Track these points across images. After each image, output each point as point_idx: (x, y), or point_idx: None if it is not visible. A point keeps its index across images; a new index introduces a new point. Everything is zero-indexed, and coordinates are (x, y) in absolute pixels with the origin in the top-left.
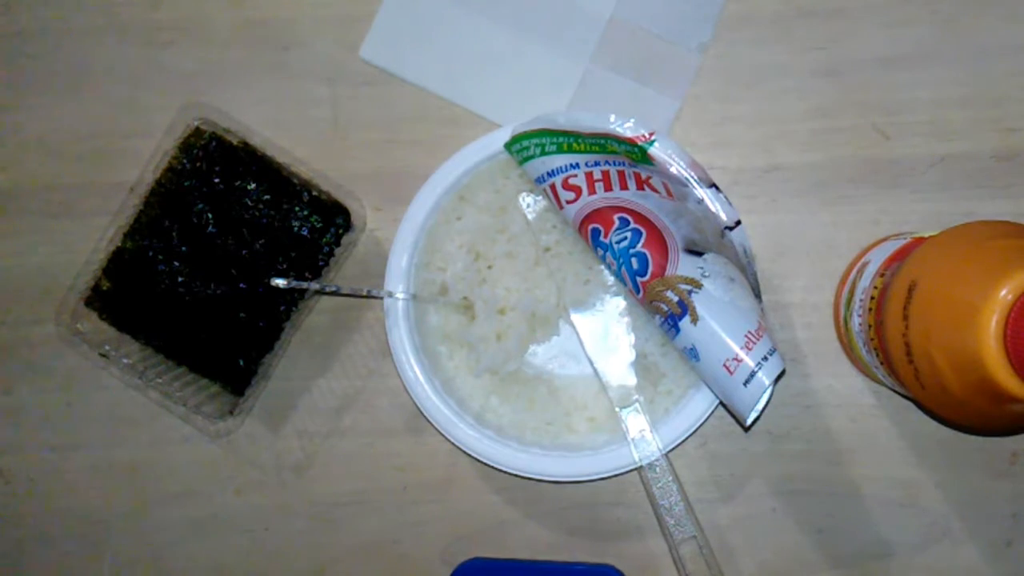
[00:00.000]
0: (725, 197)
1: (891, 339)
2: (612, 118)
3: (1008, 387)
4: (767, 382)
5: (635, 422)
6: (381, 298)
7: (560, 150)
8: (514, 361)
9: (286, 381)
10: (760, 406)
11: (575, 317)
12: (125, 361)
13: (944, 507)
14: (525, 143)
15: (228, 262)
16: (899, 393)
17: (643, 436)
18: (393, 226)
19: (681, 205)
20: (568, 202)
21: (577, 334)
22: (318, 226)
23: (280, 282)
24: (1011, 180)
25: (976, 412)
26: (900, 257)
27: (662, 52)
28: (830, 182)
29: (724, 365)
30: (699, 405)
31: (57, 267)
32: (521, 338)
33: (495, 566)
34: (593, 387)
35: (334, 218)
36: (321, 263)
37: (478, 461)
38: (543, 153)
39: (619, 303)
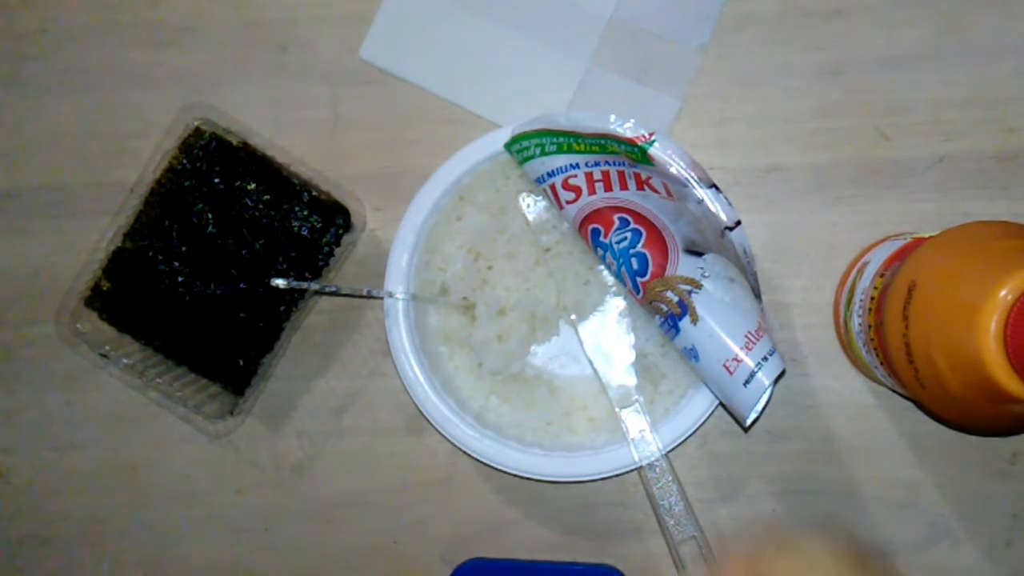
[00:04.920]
0: (725, 197)
1: (891, 339)
2: (612, 118)
3: (1008, 387)
4: (767, 382)
5: (635, 422)
6: (381, 298)
7: (560, 150)
8: (517, 363)
9: (286, 381)
10: (760, 406)
11: (575, 317)
12: (125, 361)
13: (944, 507)
14: (525, 143)
15: (228, 262)
16: (899, 393)
17: (643, 436)
18: (393, 226)
19: (681, 205)
20: (568, 202)
21: (577, 334)
22: (318, 226)
23: (280, 282)
24: (1011, 180)
25: (976, 412)
26: (900, 257)
27: (662, 52)
28: (830, 182)
29: (724, 365)
30: (699, 405)
31: (57, 267)
32: (523, 339)
33: (495, 566)
34: (593, 387)
35: (334, 218)
36: (321, 263)
37: (478, 461)
38: (543, 153)
39: (619, 303)
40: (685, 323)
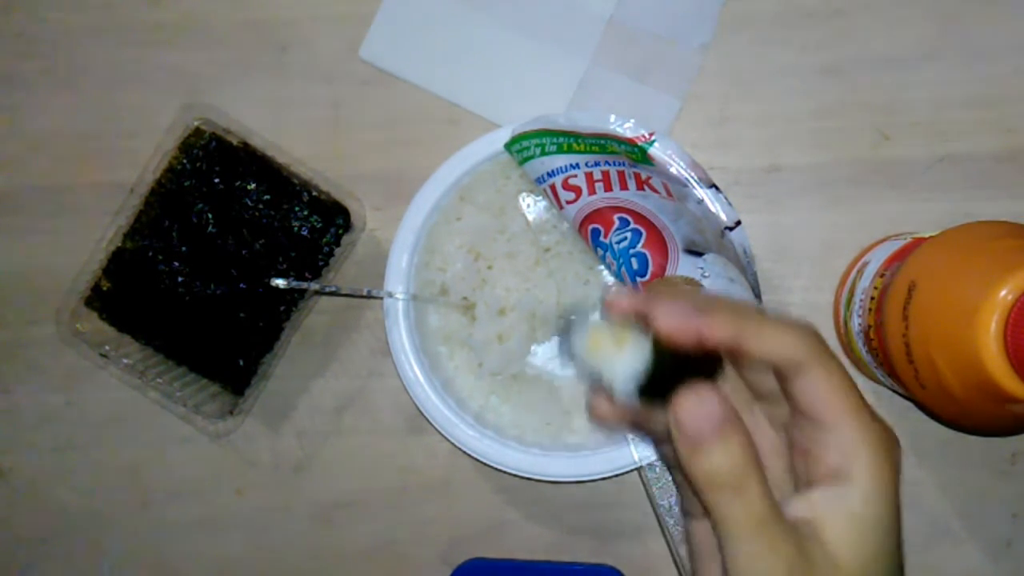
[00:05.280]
0: (725, 197)
1: (891, 339)
2: (612, 118)
3: (1008, 387)
4: None
5: None
6: (381, 298)
7: (560, 150)
8: (517, 363)
9: (286, 381)
10: None
11: (575, 318)
12: (125, 361)
13: (944, 507)
14: (525, 143)
15: (228, 262)
16: (899, 393)
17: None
18: (393, 226)
19: (681, 205)
20: (568, 202)
21: None
22: (318, 226)
23: (280, 282)
24: (1011, 180)
25: (976, 412)
26: (900, 257)
27: (662, 52)
28: (830, 182)
29: None
30: None
31: (57, 267)
32: (523, 339)
33: (495, 566)
34: None
35: (334, 218)
36: (321, 263)
37: (478, 461)
38: (543, 153)
39: None
40: None
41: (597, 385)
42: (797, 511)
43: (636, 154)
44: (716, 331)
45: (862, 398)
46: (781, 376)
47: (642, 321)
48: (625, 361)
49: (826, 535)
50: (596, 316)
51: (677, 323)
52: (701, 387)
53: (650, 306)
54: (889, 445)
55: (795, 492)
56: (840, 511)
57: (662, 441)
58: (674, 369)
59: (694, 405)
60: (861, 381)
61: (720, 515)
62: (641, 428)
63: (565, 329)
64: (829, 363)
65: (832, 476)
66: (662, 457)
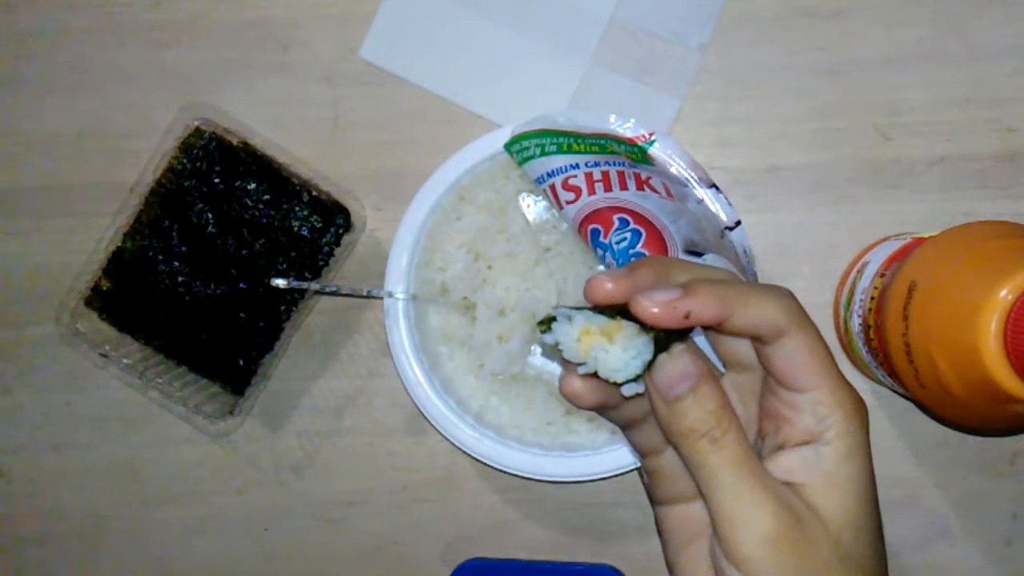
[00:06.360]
0: (725, 197)
1: (891, 339)
2: (612, 118)
3: (1008, 387)
4: None
5: None
6: (381, 298)
7: (560, 150)
8: (518, 363)
9: (286, 381)
10: None
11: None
12: (125, 361)
13: (944, 507)
14: (525, 143)
15: (228, 262)
16: (899, 393)
17: None
18: (393, 226)
19: (681, 205)
20: (568, 202)
21: None
22: (318, 226)
23: (280, 282)
24: (1011, 180)
25: (976, 412)
26: (900, 257)
27: (662, 52)
28: (830, 182)
29: None
30: None
31: (57, 267)
32: (523, 340)
33: (495, 566)
34: None
35: (334, 218)
36: (321, 263)
37: (478, 461)
38: (543, 153)
39: None
40: None
41: (567, 364)
42: (774, 473)
43: (636, 154)
44: (705, 311)
45: (835, 362)
46: (759, 341)
47: (627, 308)
48: (618, 355)
49: (806, 494)
50: (579, 313)
51: (664, 310)
52: (672, 347)
53: (634, 297)
54: (859, 406)
55: (765, 459)
56: (817, 470)
57: (630, 425)
58: (664, 347)
59: (667, 364)
60: (861, 381)
61: (701, 463)
62: (610, 410)
63: (548, 328)
64: (809, 328)
65: (806, 438)
66: (631, 444)
